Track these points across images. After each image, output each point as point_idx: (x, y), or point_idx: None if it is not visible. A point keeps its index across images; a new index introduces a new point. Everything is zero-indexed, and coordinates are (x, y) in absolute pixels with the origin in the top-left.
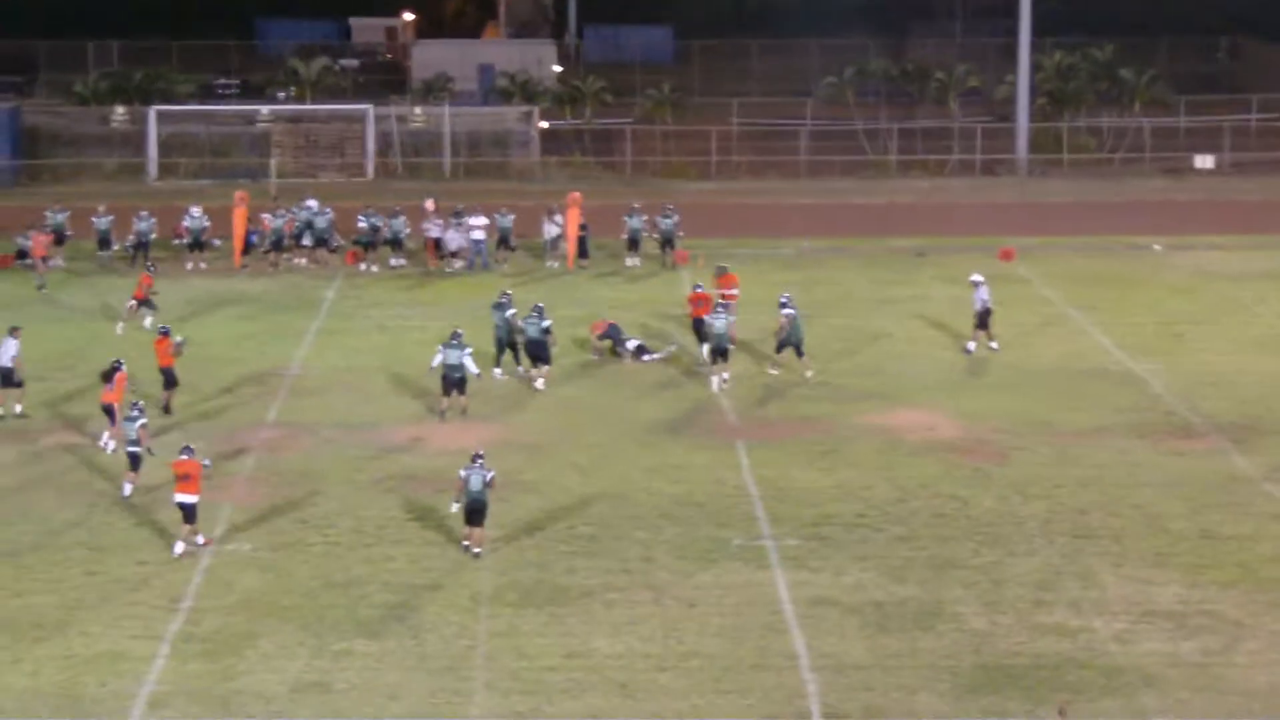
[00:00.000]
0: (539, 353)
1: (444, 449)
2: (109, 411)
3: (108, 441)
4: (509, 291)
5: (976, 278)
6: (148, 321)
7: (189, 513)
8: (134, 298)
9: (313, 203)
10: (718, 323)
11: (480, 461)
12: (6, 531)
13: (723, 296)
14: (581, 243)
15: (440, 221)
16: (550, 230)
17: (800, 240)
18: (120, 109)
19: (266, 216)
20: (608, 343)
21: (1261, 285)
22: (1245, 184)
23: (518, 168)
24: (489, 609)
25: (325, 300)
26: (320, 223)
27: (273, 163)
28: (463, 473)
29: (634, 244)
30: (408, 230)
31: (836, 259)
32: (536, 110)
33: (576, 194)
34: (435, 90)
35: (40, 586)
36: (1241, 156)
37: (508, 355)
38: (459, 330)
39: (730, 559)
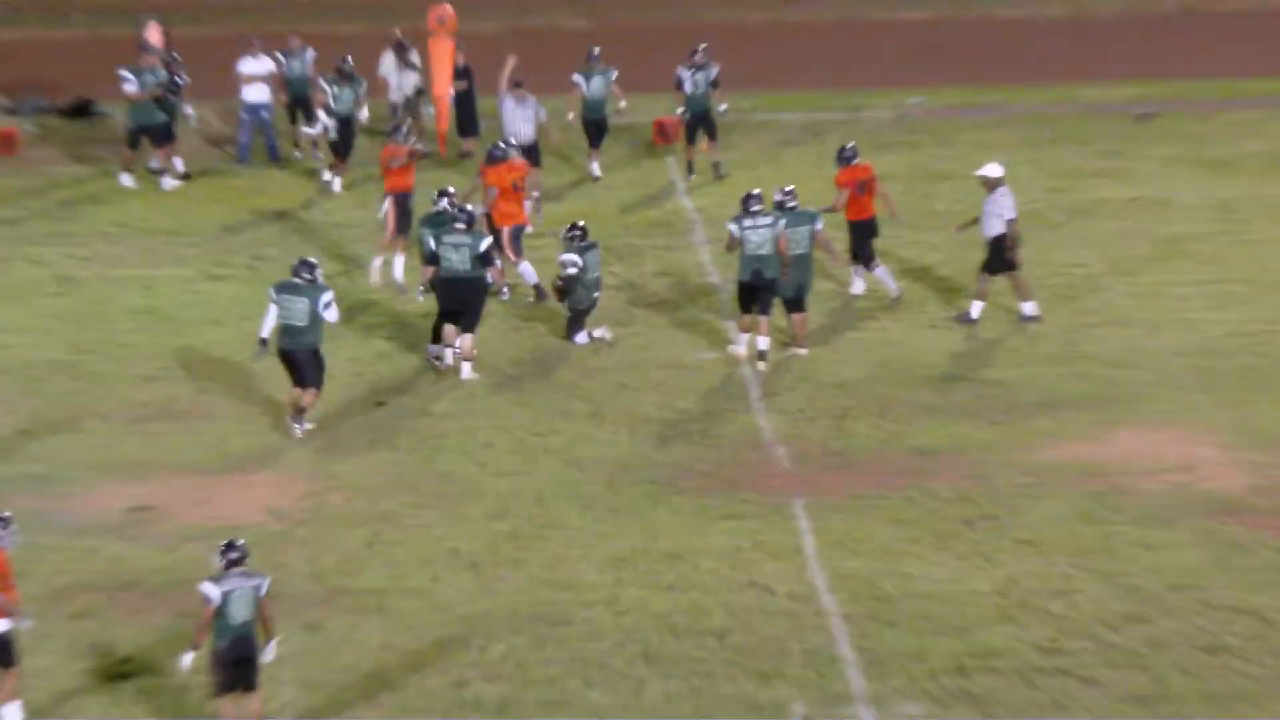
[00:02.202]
0: (469, 300)
1: (204, 525)
2: None
3: None
4: (450, 189)
5: (991, 171)
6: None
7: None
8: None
9: None
10: (754, 235)
11: (237, 559)
12: None
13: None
14: (464, 103)
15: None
16: (399, 83)
17: (904, 92)
18: None
19: None
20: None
21: None
22: None
23: None
24: None
25: None
26: None
27: None
28: (211, 590)
29: (595, 131)
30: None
31: (976, 128)
32: None
33: (445, 7)
34: None
35: None
36: None
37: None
38: (309, 260)
39: None
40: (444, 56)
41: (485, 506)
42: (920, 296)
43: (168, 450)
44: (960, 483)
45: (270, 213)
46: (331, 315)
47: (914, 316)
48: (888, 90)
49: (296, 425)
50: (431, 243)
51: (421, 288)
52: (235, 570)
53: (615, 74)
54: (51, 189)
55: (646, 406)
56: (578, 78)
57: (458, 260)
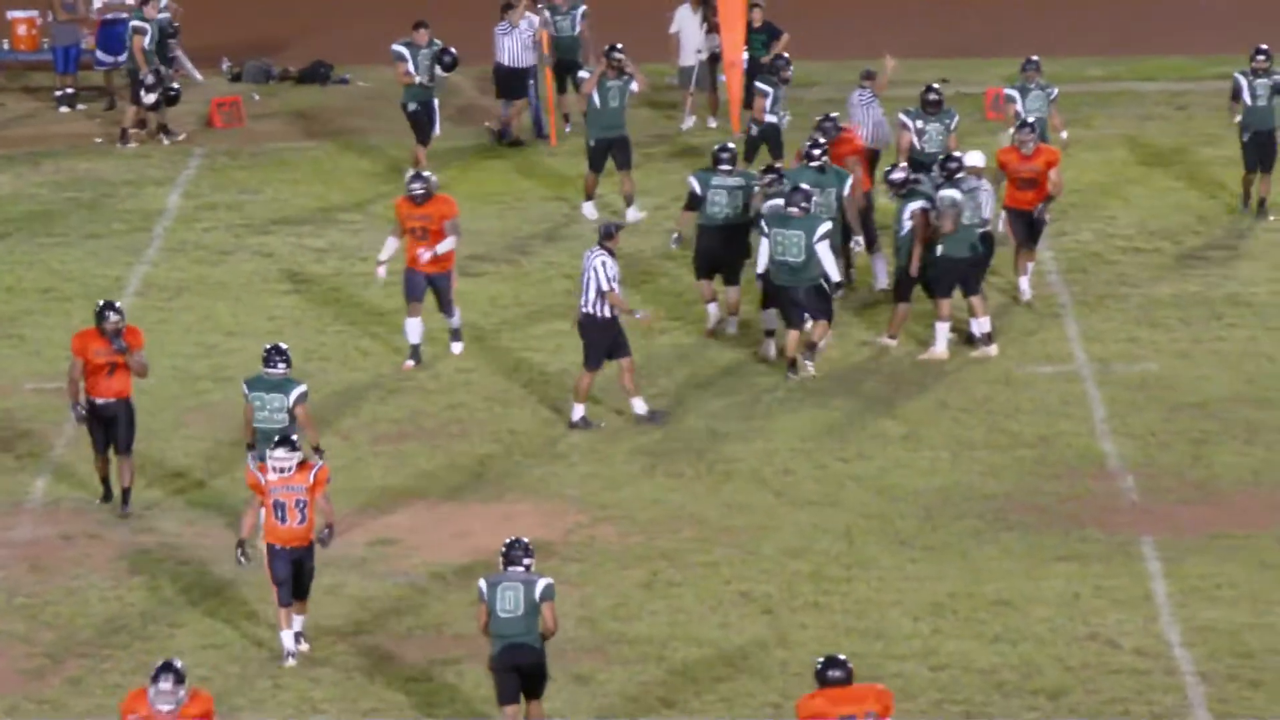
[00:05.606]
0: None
1: (457, 561)
2: None
3: None
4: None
5: (965, 161)
6: None
7: None
8: None
9: None
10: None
11: (514, 556)
12: None
13: None
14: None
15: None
16: (698, 44)
17: None
18: None
19: None
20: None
21: None
22: None
23: None
24: None
25: None
26: None
27: None
28: (481, 585)
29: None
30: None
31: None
32: None
33: None
34: None
35: None
36: None
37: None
38: (805, 188)
39: None
40: (736, 12)
41: (782, 543)
42: None
43: (416, 474)
44: None
45: (542, 196)
46: (824, 252)
47: None
48: None
49: (809, 363)
50: (697, 186)
51: (676, 236)
52: (514, 569)
53: (1055, 92)
54: (280, 167)
55: (971, 428)
56: (1013, 92)
57: (728, 204)
